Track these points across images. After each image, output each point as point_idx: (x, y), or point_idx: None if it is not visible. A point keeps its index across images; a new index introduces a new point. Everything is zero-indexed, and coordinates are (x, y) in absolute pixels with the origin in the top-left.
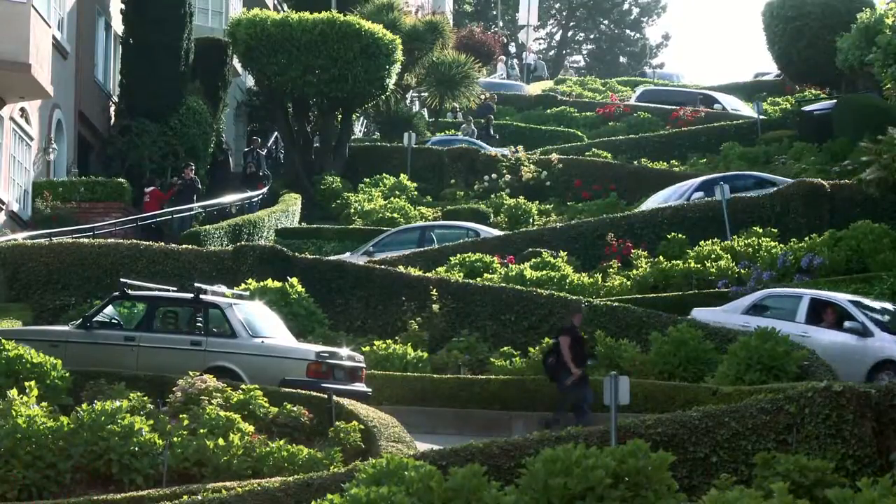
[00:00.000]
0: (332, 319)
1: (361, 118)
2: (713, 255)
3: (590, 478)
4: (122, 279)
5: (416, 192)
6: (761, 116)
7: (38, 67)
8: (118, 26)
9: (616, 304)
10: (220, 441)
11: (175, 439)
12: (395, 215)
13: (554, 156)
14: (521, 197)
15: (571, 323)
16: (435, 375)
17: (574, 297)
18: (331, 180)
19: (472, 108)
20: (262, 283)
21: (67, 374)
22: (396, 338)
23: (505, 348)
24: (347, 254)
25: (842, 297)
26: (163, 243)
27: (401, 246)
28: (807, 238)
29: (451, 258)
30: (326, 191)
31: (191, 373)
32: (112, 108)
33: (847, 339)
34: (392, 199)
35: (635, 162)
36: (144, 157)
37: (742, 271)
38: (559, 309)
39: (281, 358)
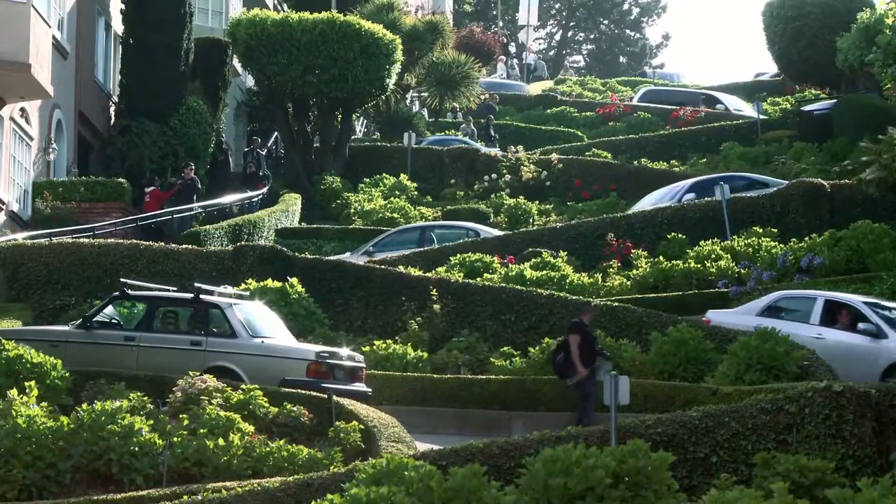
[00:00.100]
0: (332, 319)
1: (361, 118)
2: (713, 255)
3: (590, 478)
4: (122, 279)
5: (416, 192)
6: (761, 116)
7: (38, 67)
8: (118, 26)
9: (616, 304)
10: (220, 441)
11: (175, 439)
12: (395, 215)
13: (554, 156)
14: (521, 197)
15: (582, 321)
16: (435, 375)
17: (574, 297)
18: (331, 180)
19: (472, 108)
20: (262, 283)
21: (67, 374)
22: (396, 338)
23: (505, 348)
24: (347, 254)
25: (856, 299)
26: (163, 243)
27: (401, 246)
28: (807, 238)
29: (451, 258)
30: (326, 191)
31: (191, 373)
32: (112, 108)
33: (861, 341)
34: (392, 199)
35: (635, 162)
36: (144, 157)
37: (742, 271)
38: (559, 309)
39: (281, 358)
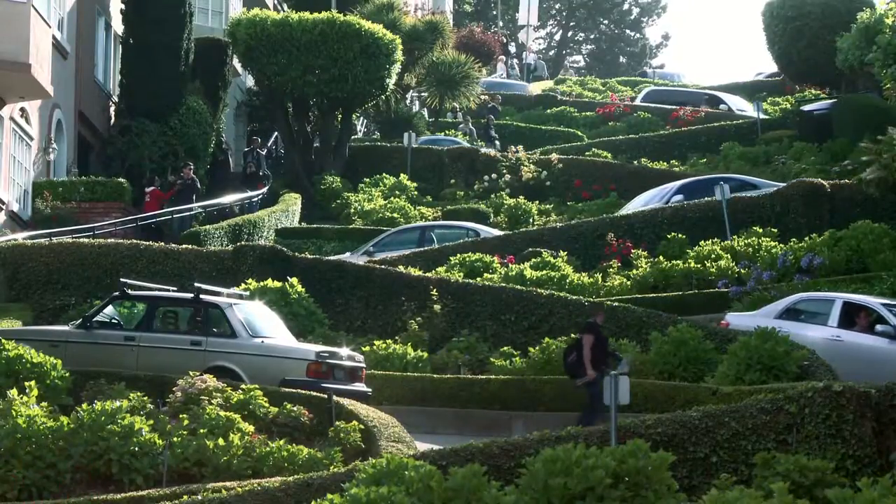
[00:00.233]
0: (332, 319)
1: (361, 118)
2: (713, 255)
3: (590, 478)
4: (122, 279)
5: (416, 192)
6: (762, 116)
7: (38, 67)
8: (118, 26)
9: (616, 304)
10: (220, 441)
11: (175, 439)
12: (395, 215)
13: (554, 156)
14: (521, 197)
15: (594, 321)
16: (435, 375)
17: (574, 297)
18: (331, 180)
19: (471, 108)
20: (262, 283)
21: (67, 374)
22: (396, 338)
23: (505, 348)
24: (347, 254)
25: (874, 301)
26: (163, 243)
27: (401, 246)
28: (807, 238)
29: (451, 258)
30: (326, 191)
31: (191, 373)
32: (112, 108)
33: (879, 343)
34: (392, 199)
35: (635, 162)
36: (144, 157)
37: (742, 271)
38: (559, 309)
39: (281, 358)
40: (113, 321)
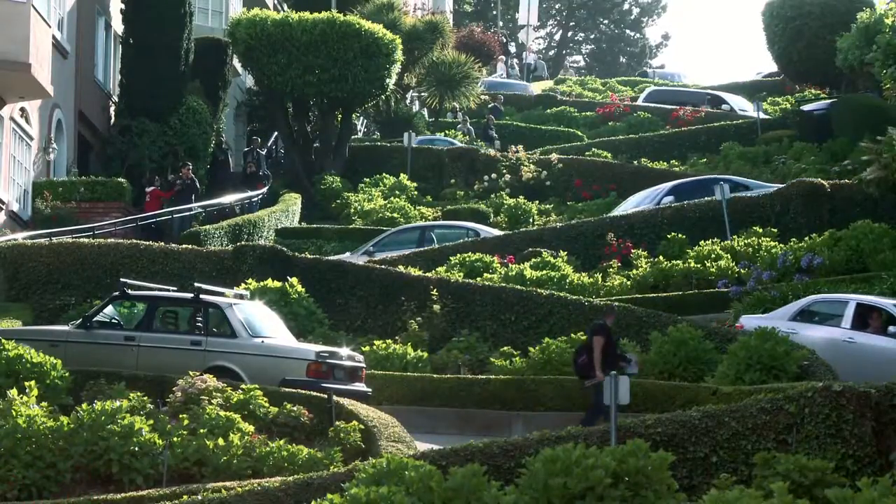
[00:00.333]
0: (332, 319)
1: (361, 118)
2: (713, 255)
3: (590, 478)
4: (122, 279)
5: (416, 192)
6: (762, 116)
7: (38, 67)
8: (118, 26)
9: (616, 303)
10: (220, 441)
11: (175, 439)
12: (395, 215)
13: (554, 156)
14: (521, 197)
15: (605, 323)
16: (435, 375)
17: (574, 297)
18: (331, 180)
19: (472, 107)
20: (262, 283)
21: (67, 374)
22: (396, 338)
23: (505, 348)
24: (347, 254)
25: (887, 302)
26: (163, 243)
27: (401, 246)
28: (807, 238)
29: (451, 258)
30: (326, 191)
31: (191, 373)
32: (112, 108)
33: (892, 344)
34: (392, 198)
35: (635, 162)
36: (144, 157)
37: (742, 271)
38: (559, 309)
39: (281, 358)
40: (113, 321)
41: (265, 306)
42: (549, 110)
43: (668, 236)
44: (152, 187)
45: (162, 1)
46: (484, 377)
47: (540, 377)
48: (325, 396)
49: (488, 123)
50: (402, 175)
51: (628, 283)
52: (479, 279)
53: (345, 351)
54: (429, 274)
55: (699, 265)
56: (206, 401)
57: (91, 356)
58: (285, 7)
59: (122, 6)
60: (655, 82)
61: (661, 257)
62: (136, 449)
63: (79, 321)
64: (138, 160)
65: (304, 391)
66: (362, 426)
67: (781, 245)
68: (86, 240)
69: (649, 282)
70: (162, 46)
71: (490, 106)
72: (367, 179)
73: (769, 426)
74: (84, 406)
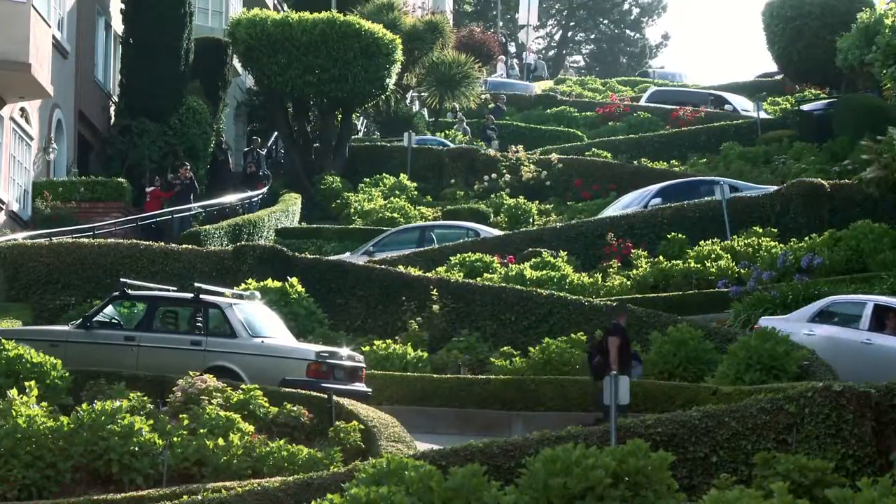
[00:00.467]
0: (332, 319)
1: (361, 118)
2: (713, 255)
3: (590, 477)
4: (122, 279)
5: (416, 192)
6: (763, 116)
7: (38, 67)
8: (118, 26)
9: (616, 303)
10: (220, 441)
11: (175, 439)
12: (395, 215)
13: (554, 156)
14: (521, 197)
15: (619, 323)
16: (435, 375)
17: (574, 297)
18: (331, 180)
19: (472, 107)
20: (262, 283)
21: (67, 374)
22: (396, 338)
23: (505, 348)
24: (347, 254)
25: None
26: (163, 243)
27: (401, 246)
28: (807, 238)
29: (451, 258)
30: (326, 191)
31: (191, 373)
32: (112, 108)
33: None
34: (392, 198)
35: (635, 162)
36: (144, 157)
37: (742, 271)
38: (559, 309)
39: (281, 358)
40: (113, 321)
41: (265, 306)
42: (549, 110)
43: (668, 236)
44: (152, 187)
45: (162, 1)
46: (484, 377)
47: (540, 377)
48: (325, 396)
49: (487, 123)
50: (402, 175)
51: (628, 283)
52: (479, 279)
53: (345, 351)
54: (429, 274)
55: (699, 265)
56: (206, 401)
57: (91, 356)
58: (285, 7)
59: (122, 6)
60: (656, 82)
61: (661, 257)
62: (136, 449)
63: (79, 321)
64: (138, 160)
65: (304, 391)
66: (362, 426)
67: (781, 245)
68: (86, 240)
69: (649, 282)
70: (162, 46)
71: (490, 106)
72: (367, 179)
73: (769, 426)
74: (84, 406)
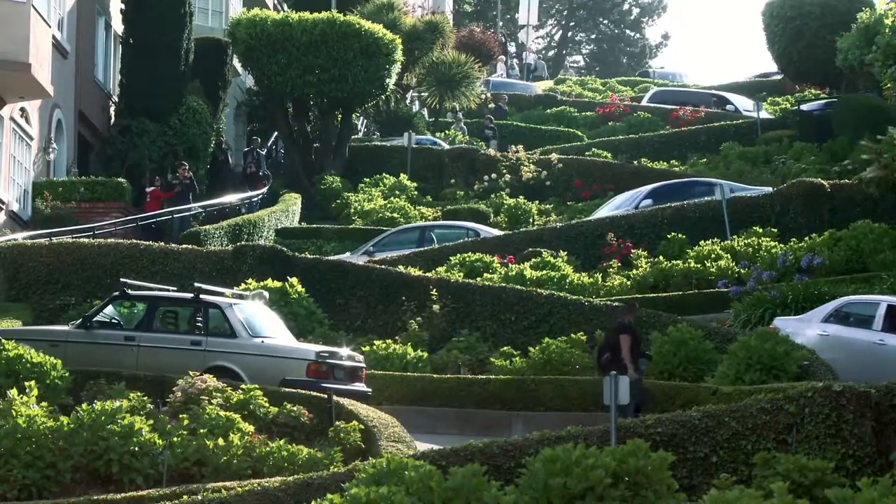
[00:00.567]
0: (332, 319)
1: (361, 118)
2: (713, 255)
3: (590, 477)
4: (122, 279)
5: (416, 192)
6: (763, 116)
7: (38, 67)
8: (118, 26)
9: (616, 303)
10: (220, 441)
11: (175, 439)
12: (395, 215)
13: (554, 156)
14: (521, 197)
15: (629, 321)
16: (435, 375)
17: (574, 297)
18: (331, 180)
19: (472, 107)
20: (262, 283)
21: (67, 374)
22: (396, 338)
23: (505, 348)
24: (347, 254)
25: None
26: (163, 243)
27: (401, 246)
28: (807, 238)
29: (451, 258)
30: (326, 191)
31: (191, 373)
32: (112, 108)
33: None
34: (392, 198)
35: (635, 162)
36: (144, 157)
37: (742, 271)
38: (559, 309)
39: (281, 358)
40: (113, 321)
41: (265, 306)
42: (549, 110)
43: (668, 236)
44: (152, 187)
45: (162, 1)
46: (484, 377)
47: (540, 377)
48: (325, 396)
49: (486, 123)
50: (402, 175)
51: (628, 283)
52: (479, 279)
53: (345, 351)
54: (429, 274)
55: (699, 265)
56: (206, 401)
57: (91, 356)
58: (285, 7)
59: (122, 6)
60: (656, 82)
61: (661, 257)
62: (136, 449)
63: (79, 321)
64: (138, 160)
65: (304, 391)
66: (362, 426)
67: (781, 245)
68: (86, 240)
69: (649, 282)
70: (162, 46)
71: (491, 106)
72: (367, 179)
73: (769, 426)
74: (84, 406)
